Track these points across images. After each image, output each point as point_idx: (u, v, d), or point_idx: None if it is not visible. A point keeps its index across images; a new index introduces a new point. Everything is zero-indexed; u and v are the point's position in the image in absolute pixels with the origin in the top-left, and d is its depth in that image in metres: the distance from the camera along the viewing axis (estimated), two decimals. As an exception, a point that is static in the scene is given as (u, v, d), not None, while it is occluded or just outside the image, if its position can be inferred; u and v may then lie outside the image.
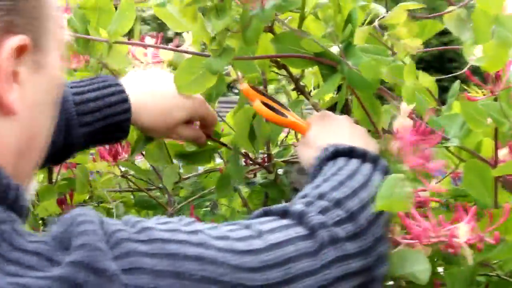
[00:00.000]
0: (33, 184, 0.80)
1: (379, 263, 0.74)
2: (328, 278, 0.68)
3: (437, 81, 0.98)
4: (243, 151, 1.13)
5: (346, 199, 0.74)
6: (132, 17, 1.08)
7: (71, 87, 1.01)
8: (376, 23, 0.98)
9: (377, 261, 0.73)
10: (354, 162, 0.83)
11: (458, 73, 1.02)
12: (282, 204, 0.74)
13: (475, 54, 0.90)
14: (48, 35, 0.66)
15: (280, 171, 1.18)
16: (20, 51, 0.62)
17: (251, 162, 1.16)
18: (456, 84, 1.01)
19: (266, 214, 0.74)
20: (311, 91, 1.18)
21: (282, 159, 1.18)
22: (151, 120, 1.03)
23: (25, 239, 0.56)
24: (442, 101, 1.03)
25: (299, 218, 0.71)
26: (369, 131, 0.98)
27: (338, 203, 0.73)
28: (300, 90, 1.10)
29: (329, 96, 1.20)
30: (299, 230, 0.69)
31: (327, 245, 0.69)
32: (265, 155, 1.18)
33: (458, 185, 1.13)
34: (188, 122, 1.07)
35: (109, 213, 1.28)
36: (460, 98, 0.90)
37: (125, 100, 1.01)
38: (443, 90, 1.05)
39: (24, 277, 0.53)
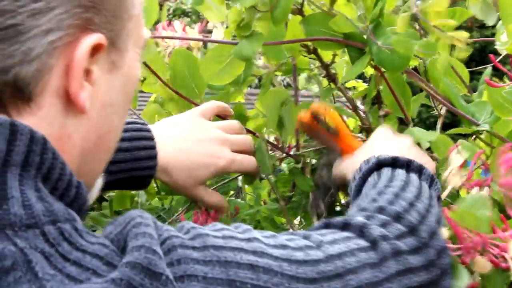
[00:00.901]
0: (99, 184, 0.80)
1: (444, 276, 0.71)
2: None
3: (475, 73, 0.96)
4: (271, 138, 1.12)
5: (405, 213, 0.73)
6: (156, 9, 1.07)
7: None
8: (414, 9, 0.96)
9: (441, 274, 0.71)
10: (399, 173, 0.83)
11: (489, 65, 1.01)
12: (342, 217, 0.72)
13: (501, 40, 0.90)
14: (127, 35, 0.66)
15: (312, 162, 1.16)
16: (96, 49, 0.61)
17: (277, 149, 1.14)
18: (488, 70, 1.00)
19: (326, 226, 0.72)
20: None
21: (309, 150, 1.17)
22: (177, 178, 1.02)
23: (85, 239, 0.56)
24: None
25: (361, 231, 0.69)
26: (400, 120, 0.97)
27: (397, 218, 0.72)
28: (330, 77, 1.09)
29: (362, 87, 1.20)
30: (361, 242, 0.68)
31: (390, 258, 0.67)
32: (293, 144, 1.17)
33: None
34: None
35: (132, 201, 1.28)
36: (486, 85, 0.89)
37: (153, 157, 1.00)
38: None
39: (87, 283, 0.52)
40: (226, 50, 0.95)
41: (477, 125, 0.91)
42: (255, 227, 1.09)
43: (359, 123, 1.15)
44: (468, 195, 0.77)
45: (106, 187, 0.96)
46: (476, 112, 0.94)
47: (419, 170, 0.83)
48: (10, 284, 0.51)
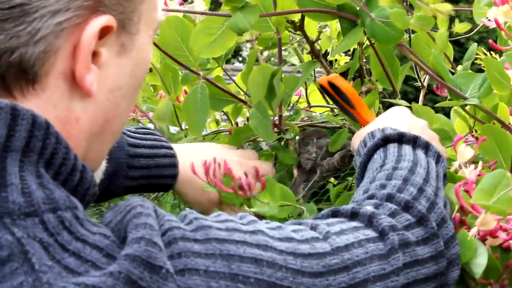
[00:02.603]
0: (101, 169, 0.79)
1: (452, 267, 0.71)
2: (396, 285, 0.64)
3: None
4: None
5: (414, 201, 0.71)
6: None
7: (127, 136, 0.99)
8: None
9: (449, 264, 0.70)
10: (406, 150, 0.81)
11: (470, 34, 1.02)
12: (350, 205, 0.71)
13: (487, 17, 0.91)
14: (139, 17, 0.64)
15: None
16: (105, 32, 0.60)
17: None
18: (473, 46, 1.01)
19: (334, 214, 0.71)
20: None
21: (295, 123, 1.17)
22: (195, 194, 1.01)
23: (85, 229, 0.54)
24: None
25: (369, 221, 0.68)
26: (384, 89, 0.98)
27: (406, 207, 0.70)
28: (315, 53, 1.10)
29: (344, 60, 1.20)
30: (369, 233, 0.67)
31: (398, 249, 0.66)
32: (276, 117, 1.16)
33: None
34: None
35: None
36: (484, 59, 0.90)
37: (175, 165, 1.00)
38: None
39: (86, 276, 0.51)
40: (216, 22, 0.94)
41: (465, 99, 0.92)
42: (240, 204, 1.10)
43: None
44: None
45: (125, 194, 0.99)
46: (463, 84, 0.95)
47: (426, 146, 0.83)
48: (6, 275, 0.50)
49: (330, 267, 0.61)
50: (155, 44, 1.04)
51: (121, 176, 0.97)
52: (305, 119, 1.21)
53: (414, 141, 0.83)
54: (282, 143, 1.14)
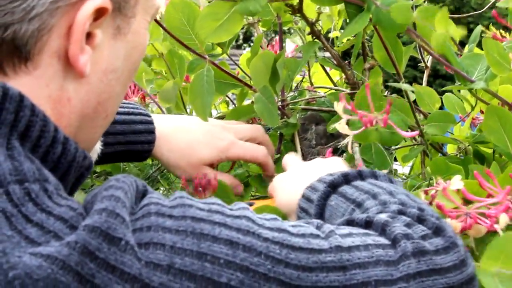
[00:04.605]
0: (97, 149, 0.79)
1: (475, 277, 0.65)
2: None
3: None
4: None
5: (424, 214, 0.67)
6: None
7: None
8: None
9: (474, 274, 0.65)
10: (366, 184, 0.76)
11: (482, 10, 1.01)
12: (364, 215, 0.68)
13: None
14: (136, 1, 0.65)
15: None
16: (100, 13, 0.60)
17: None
18: (478, 28, 1.01)
19: (349, 223, 0.68)
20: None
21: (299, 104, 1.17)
22: (173, 156, 1.01)
23: (53, 201, 0.54)
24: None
25: (383, 229, 0.64)
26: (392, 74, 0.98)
27: (419, 220, 0.66)
28: (315, 34, 1.10)
29: (346, 39, 1.20)
30: (380, 240, 0.63)
31: (410, 257, 0.61)
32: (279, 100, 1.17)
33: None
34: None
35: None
36: (484, 40, 0.90)
37: (151, 131, 1.00)
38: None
39: (44, 246, 0.50)
40: (223, 7, 0.94)
41: (472, 82, 0.92)
42: (246, 186, 1.11)
43: (344, 76, 1.16)
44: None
45: (103, 159, 0.97)
46: (470, 65, 0.94)
47: (374, 175, 0.78)
48: None
49: (323, 263, 0.58)
50: (161, 26, 1.04)
51: None
52: (309, 99, 1.21)
53: (360, 175, 0.78)
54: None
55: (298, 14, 1.07)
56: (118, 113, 0.97)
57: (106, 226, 0.52)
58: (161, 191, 1.34)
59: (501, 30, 0.95)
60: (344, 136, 0.88)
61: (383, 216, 0.66)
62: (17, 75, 0.59)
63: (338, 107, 0.84)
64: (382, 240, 0.63)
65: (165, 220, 0.55)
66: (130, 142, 0.99)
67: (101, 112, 0.66)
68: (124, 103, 1.01)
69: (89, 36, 0.61)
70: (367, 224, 0.66)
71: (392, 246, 0.62)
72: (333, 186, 0.77)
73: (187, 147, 1.01)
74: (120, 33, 0.64)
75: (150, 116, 1.01)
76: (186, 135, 1.01)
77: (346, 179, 0.77)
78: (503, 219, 0.67)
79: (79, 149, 0.61)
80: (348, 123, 0.85)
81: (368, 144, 1.00)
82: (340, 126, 0.85)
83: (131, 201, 0.56)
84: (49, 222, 0.52)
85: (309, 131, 1.14)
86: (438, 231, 0.65)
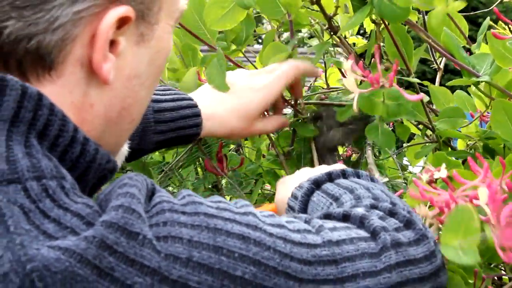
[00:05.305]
0: (123, 151, 0.82)
1: (444, 268, 0.69)
2: (388, 282, 0.64)
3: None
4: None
5: (396, 208, 0.70)
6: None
7: None
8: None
9: (443, 264, 0.69)
10: (347, 181, 0.80)
11: (486, 9, 1.01)
12: (341, 209, 0.70)
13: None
14: (159, 7, 0.65)
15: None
16: (123, 22, 0.60)
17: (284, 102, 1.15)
18: (486, 21, 1.00)
19: (326, 217, 0.70)
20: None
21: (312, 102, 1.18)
22: (223, 127, 1.03)
23: (70, 198, 0.54)
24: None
25: (361, 222, 0.68)
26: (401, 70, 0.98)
27: (391, 213, 0.70)
28: (333, 29, 1.10)
29: (362, 43, 1.20)
30: (360, 232, 0.66)
31: (390, 248, 0.65)
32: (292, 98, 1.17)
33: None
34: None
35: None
36: (488, 33, 0.89)
37: (197, 114, 1.02)
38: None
39: (61, 240, 0.51)
40: (229, -5, 0.96)
41: (478, 76, 0.92)
42: (257, 181, 1.11)
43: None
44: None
45: (156, 149, 1.02)
46: (477, 64, 0.95)
47: (357, 174, 0.82)
48: None
49: (320, 257, 0.61)
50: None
51: (150, 132, 1.00)
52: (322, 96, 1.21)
53: (343, 174, 0.82)
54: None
55: (315, 6, 1.07)
56: (166, 101, 1.01)
57: (124, 221, 0.52)
58: (170, 189, 1.36)
59: (510, 26, 0.94)
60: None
61: (360, 210, 0.69)
62: (41, 83, 0.59)
63: (347, 65, 0.85)
64: (363, 233, 0.66)
65: (179, 216, 0.56)
66: (180, 128, 1.01)
67: (126, 116, 0.66)
68: (166, 89, 1.04)
69: (112, 43, 0.61)
70: (345, 217, 0.69)
71: (373, 239, 0.65)
72: (317, 184, 0.81)
73: (237, 110, 1.02)
74: (143, 40, 0.64)
75: (192, 99, 1.03)
76: (229, 104, 1.03)
77: (330, 177, 0.81)
78: (483, 193, 0.66)
79: (101, 151, 0.62)
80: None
81: (375, 125, 1.00)
82: (347, 82, 0.86)
83: (144, 199, 0.57)
84: (66, 218, 0.52)
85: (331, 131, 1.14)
86: (408, 224, 0.68)
